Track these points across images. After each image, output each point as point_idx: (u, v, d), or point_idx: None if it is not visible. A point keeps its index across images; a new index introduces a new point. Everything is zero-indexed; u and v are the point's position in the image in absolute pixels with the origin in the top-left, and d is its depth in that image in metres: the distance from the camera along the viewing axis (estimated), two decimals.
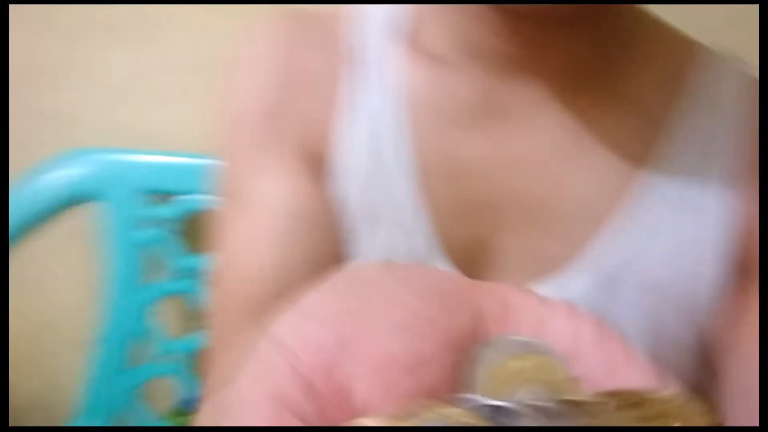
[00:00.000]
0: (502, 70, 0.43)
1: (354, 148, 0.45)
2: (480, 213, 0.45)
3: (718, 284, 0.43)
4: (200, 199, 0.87)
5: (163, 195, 0.92)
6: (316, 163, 0.45)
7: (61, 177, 0.88)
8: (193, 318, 0.92)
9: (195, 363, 0.91)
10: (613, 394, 0.20)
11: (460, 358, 0.21)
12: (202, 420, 0.20)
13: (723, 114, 0.45)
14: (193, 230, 0.89)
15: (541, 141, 0.44)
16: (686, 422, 0.19)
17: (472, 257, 0.45)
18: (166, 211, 0.92)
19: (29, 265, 0.92)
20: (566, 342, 0.22)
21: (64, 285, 1.02)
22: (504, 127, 0.44)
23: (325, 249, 0.44)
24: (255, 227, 0.44)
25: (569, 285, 0.43)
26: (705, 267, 0.43)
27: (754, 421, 0.38)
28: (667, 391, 0.20)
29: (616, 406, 0.19)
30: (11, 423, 0.88)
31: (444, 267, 0.44)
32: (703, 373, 0.44)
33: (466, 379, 0.21)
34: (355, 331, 0.20)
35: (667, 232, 0.43)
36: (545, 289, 0.43)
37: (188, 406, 0.93)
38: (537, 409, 0.19)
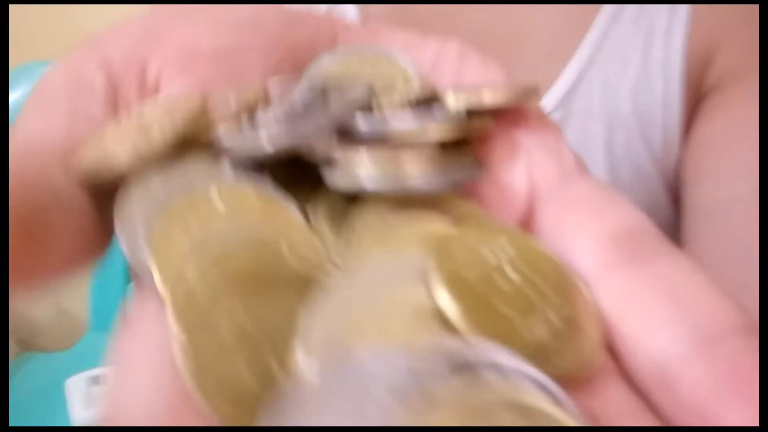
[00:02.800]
0: None
1: None
2: None
3: (683, 110, 0.42)
4: None
5: None
6: None
7: (16, 98, 0.81)
8: None
9: None
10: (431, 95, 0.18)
11: (288, 56, 0.20)
12: None
13: None
14: None
15: None
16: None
17: None
18: None
19: None
20: (428, 57, 0.20)
21: None
22: None
23: None
24: None
25: None
26: (672, 93, 0.41)
27: (717, 241, 0.38)
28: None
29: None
30: None
31: None
32: (670, 207, 0.44)
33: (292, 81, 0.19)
34: (170, 24, 0.19)
35: (636, 62, 0.41)
36: None
37: None
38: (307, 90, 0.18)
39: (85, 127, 0.17)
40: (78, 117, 0.18)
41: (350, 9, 0.44)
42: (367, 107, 0.17)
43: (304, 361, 0.12)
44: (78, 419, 0.70)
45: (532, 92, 0.18)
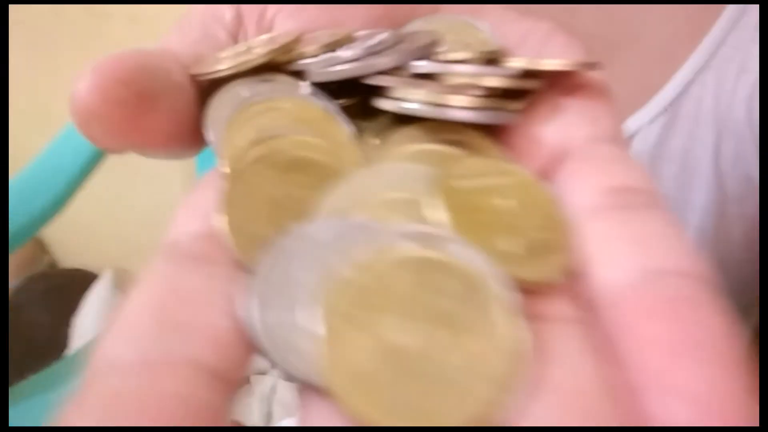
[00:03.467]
0: None
1: None
2: None
3: None
4: None
5: None
6: None
7: None
8: None
9: None
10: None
11: (388, 16, 0.22)
12: None
13: None
14: None
15: None
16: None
17: None
18: None
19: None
20: (517, 33, 0.22)
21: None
22: None
23: None
24: None
25: (643, 128, 0.42)
26: None
27: None
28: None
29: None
30: None
31: None
32: None
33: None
34: None
35: (753, 68, 0.40)
36: None
37: None
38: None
39: (210, 46, 0.21)
40: (206, 38, 0.22)
41: None
42: (433, 54, 0.20)
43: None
44: None
45: (589, 65, 0.20)
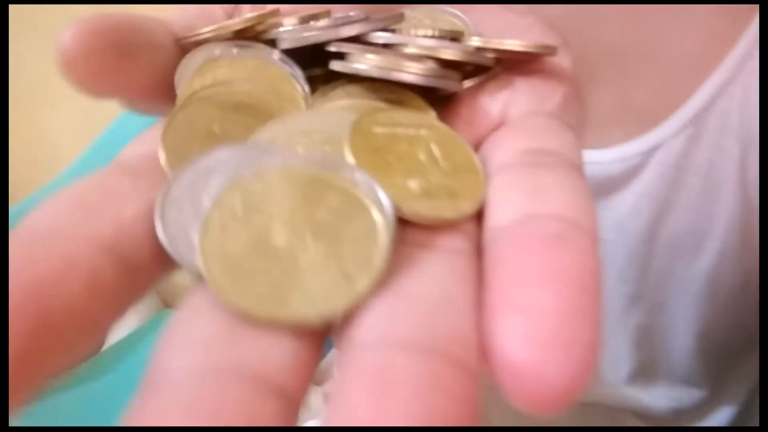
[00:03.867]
0: None
1: None
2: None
3: None
4: None
5: None
6: None
7: None
8: None
9: None
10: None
11: (375, 5, 0.23)
12: None
13: None
14: None
15: None
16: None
17: None
18: None
19: None
20: (499, 24, 0.23)
21: None
22: None
23: None
24: None
25: (667, 140, 0.41)
26: None
27: None
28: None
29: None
30: None
31: None
32: None
33: None
34: None
35: None
36: (640, 143, 0.42)
37: None
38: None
39: (204, 21, 0.23)
40: (203, 14, 0.24)
41: None
42: (394, 28, 0.21)
43: None
44: None
45: (548, 48, 0.21)
